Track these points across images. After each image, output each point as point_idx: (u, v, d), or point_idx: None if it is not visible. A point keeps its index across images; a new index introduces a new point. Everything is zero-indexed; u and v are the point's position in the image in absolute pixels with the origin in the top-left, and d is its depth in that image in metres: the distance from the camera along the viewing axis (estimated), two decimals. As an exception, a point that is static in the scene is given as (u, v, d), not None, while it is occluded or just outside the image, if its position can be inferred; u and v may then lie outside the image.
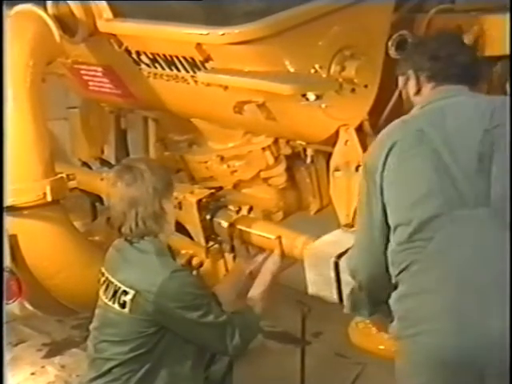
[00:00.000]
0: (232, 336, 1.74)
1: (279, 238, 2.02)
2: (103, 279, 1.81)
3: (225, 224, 2.16)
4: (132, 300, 1.71)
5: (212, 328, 1.73)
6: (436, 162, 1.48)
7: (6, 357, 2.10)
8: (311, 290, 1.94)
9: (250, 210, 2.23)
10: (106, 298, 1.78)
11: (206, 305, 1.74)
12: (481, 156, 1.46)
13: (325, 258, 1.88)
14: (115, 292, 1.76)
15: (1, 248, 1.63)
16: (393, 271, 1.53)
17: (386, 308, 1.57)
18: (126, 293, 1.72)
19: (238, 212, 2.18)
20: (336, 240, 1.97)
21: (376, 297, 1.64)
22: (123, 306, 1.73)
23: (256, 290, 1.91)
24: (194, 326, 1.72)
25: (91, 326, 1.84)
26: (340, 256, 1.86)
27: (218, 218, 2.19)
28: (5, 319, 1.82)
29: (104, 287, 1.80)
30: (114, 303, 1.75)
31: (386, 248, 1.55)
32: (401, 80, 1.72)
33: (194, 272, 2.25)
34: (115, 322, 1.76)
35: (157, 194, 1.75)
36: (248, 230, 2.13)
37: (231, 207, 2.20)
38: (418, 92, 1.66)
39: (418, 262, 1.47)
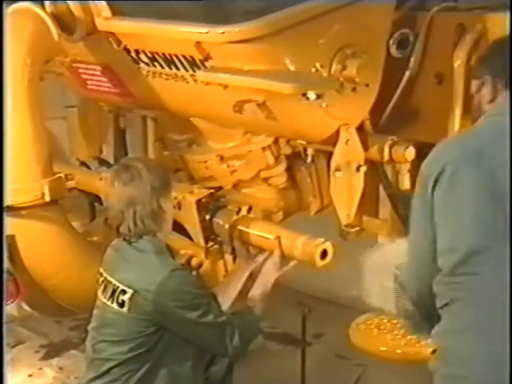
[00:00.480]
0: (231, 336, 1.74)
1: (278, 238, 2.02)
2: (101, 279, 1.82)
3: (225, 224, 2.16)
4: (130, 299, 1.72)
5: (211, 328, 1.73)
6: (492, 188, 1.36)
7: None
8: (370, 301, 1.87)
9: (250, 210, 2.23)
10: (105, 297, 1.79)
11: (205, 304, 1.72)
12: None
13: (385, 268, 1.81)
14: (114, 291, 1.75)
15: (1, 248, 1.63)
16: (436, 302, 1.45)
17: None
18: (124, 292, 1.73)
19: (238, 212, 2.18)
20: (396, 250, 1.91)
21: (428, 313, 1.52)
22: (122, 305, 1.73)
23: (256, 291, 1.91)
24: (193, 325, 1.71)
25: (89, 327, 1.84)
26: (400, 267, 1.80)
27: (217, 218, 2.20)
28: (4, 320, 1.82)
29: (102, 287, 1.81)
30: (112, 303, 1.75)
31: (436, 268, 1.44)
32: (474, 85, 1.55)
33: (194, 273, 2.25)
34: (114, 321, 1.76)
35: (154, 192, 1.75)
36: (247, 230, 2.13)
37: (231, 207, 2.20)
38: (493, 100, 1.49)
39: (460, 299, 1.39)
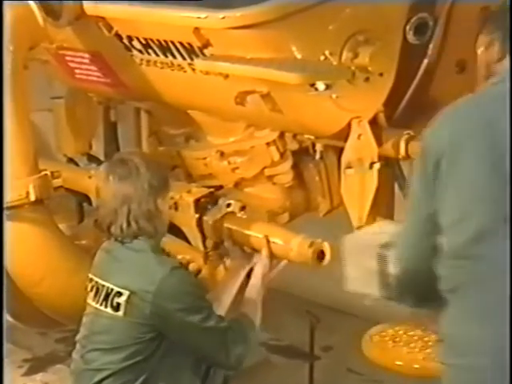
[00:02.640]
0: (234, 344, 1.73)
1: (266, 237, 2.01)
2: (91, 285, 1.81)
3: (209, 220, 2.16)
4: (127, 301, 1.70)
5: (213, 334, 1.72)
6: (499, 163, 1.33)
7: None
8: (350, 286, 1.91)
9: (243, 208, 2.23)
10: (97, 302, 1.77)
11: (206, 308, 1.74)
12: None
13: (368, 248, 1.83)
14: (107, 295, 1.75)
15: (1, 248, 1.63)
16: (440, 285, 1.44)
17: (432, 306, 1.48)
18: (120, 294, 1.71)
19: (228, 206, 2.18)
20: (379, 231, 1.93)
21: (420, 291, 1.52)
22: (117, 308, 1.72)
23: (248, 296, 1.91)
24: (194, 330, 1.70)
25: (77, 337, 1.83)
26: (385, 246, 1.80)
27: (207, 216, 2.19)
28: (4, 320, 1.82)
29: (93, 293, 1.80)
30: (106, 307, 1.74)
31: (434, 244, 1.42)
32: (482, 41, 1.51)
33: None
34: (107, 327, 1.74)
35: (152, 191, 1.75)
36: (234, 227, 2.13)
37: (221, 201, 2.19)
38: (501, 60, 1.45)
39: (467, 285, 1.38)
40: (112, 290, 1.74)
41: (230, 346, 1.73)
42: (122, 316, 1.71)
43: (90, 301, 1.81)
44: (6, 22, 2.03)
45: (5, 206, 2.04)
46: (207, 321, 1.70)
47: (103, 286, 1.77)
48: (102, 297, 1.76)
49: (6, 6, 2.12)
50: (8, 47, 2.10)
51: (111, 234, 1.78)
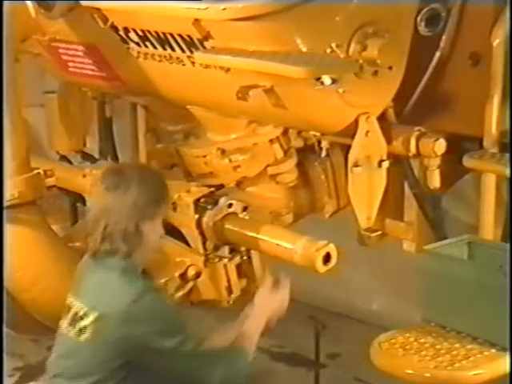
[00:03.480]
0: (214, 368, 1.67)
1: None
2: (67, 302, 1.76)
3: (209, 222, 2.14)
4: (93, 325, 1.65)
5: (189, 358, 1.66)
6: None
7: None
8: None
9: (245, 209, 2.23)
10: (66, 322, 1.72)
11: (180, 332, 1.65)
12: None
13: None
14: (75, 315, 1.70)
15: (1, 249, 1.63)
16: None
17: None
18: (86, 316, 1.67)
19: (229, 207, 2.17)
20: None
21: None
22: (82, 332, 1.67)
23: (246, 330, 1.79)
24: (169, 356, 1.64)
25: (48, 359, 1.77)
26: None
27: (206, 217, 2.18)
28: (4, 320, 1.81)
29: (66, 310, 1.75)
30: (73, 329, 1.69)
31: None
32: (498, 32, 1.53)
33: (190, 284, 2.26)
34: (72, 351, 1.69)
35: (135, 211, 1.68)
36: (240, 231, 2.13)
37: (222, 201, 2.19)
38: None
39: None
40: (79, 310, 1.69)
41: (208, 370, 1.67)
42: (88, 340, 1.66)
43: (62, 319, 1.76)
44: (5, 21, 2.02)
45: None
46: (182, 345, 1.64)
47: (73, 304, 1.73)
48: (70, 317, 1.71)
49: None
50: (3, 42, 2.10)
51: (87, 245, 1.75)
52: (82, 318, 1.68)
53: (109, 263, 1.70)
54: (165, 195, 1.77)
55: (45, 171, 2.25)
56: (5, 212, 1.90)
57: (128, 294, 1.65)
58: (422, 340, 2.00)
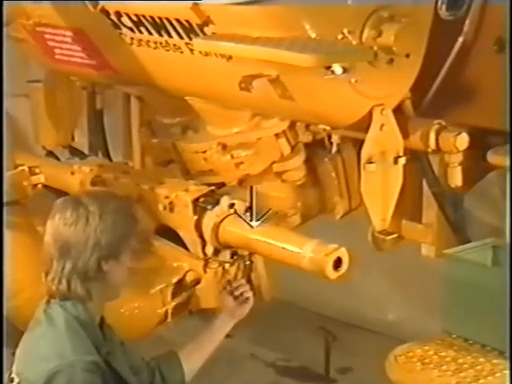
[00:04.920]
0: None
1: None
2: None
3: (210, 223, 2.14)
4: None
5: None
6: None
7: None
8: None
9: (248, 209, 2.23)
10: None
11: None
12: None
13: None
14: (9, 375, 1.65)
15: (1, 246, 1.63)
16: None
17: None
18: (12, 380, 1.63)
19: (231, 207, 2.18)
20: None
21: None
22: None
23: (202, 348, 1.90)
24: None
25: None
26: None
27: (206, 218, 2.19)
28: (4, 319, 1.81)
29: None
30: None
31: None
32: None
33: (189, 291, 2.27)
34: None
35: (98, 249, 1.64)
36: (242, 233, 2.12)
37: (223, 200, 2.20)
38: None
39: None
40: (12, 372, 1.64)
41: None
42: None
43: None
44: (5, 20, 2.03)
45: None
46: None
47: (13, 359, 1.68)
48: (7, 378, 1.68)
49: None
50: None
51: (46, 283, 1.69)
52: (11, 381, 1.65)
53: (54, 311, 1.66)
54: (132, 228, 1.71)
55: (30, 168, 2.27)
56: (5, 211, 1.91)
57: (55, 359, 1.58)
58: (443, 353, 2.01)
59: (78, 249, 1.65)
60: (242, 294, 2.00)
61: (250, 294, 2.01)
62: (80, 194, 1.77)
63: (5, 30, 2.35)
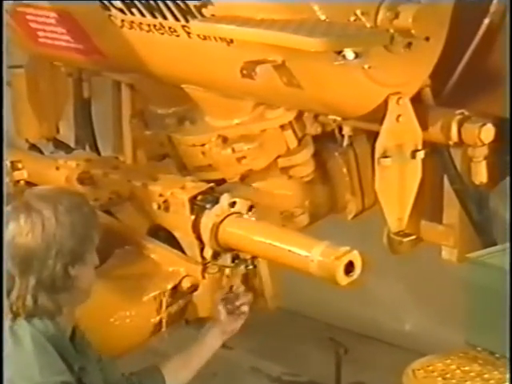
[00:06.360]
0: None
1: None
2: None
3: (209, 223, 2.14)
4: None
5: None
6: None
7: None
8: None
9: (251, 208, 2.24)
10: None
11: None
12: None
13: None
14: None
15: (1, 248, 1.64)
16: None
17: None
18: None
19: (232, 205, 2.18)
20: None
21: None
22: None
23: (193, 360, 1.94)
24: None
25: None
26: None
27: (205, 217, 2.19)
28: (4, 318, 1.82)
29: None
30: None
31: None
32: None
33: (185, 298, 2.28)
34: None
35: (60, 257, 1.63)
36: (244, 234, 2.12)
37: (223, 199, 2.20)
38: None
39: None
40: None
41: None
42: None
43: None
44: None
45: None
46: None
47: None
48: None
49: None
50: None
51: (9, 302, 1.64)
52: None
53: (19, 328, 1.64)
54: (92, 223, 1.71)
55: (11, 163, 2.27)
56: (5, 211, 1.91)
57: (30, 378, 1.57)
58: (467, 368, 2.01)
59: (39, 260, 1.63)
60: (238, 307, 2.01)
61: (246, 309, 2.02)
62: (27, 196, 1.71)
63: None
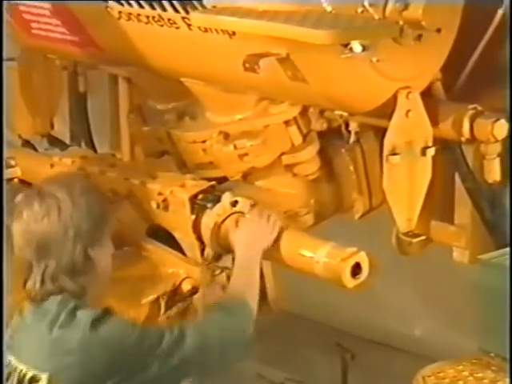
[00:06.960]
0: (213, 340, 1.73)
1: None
2: (9, 368, 1.73)
3: (210, 223, 2.16)
4: None
5: (179, 349, 1.70)
6: None
7: None
8: None
9: (253, 207, 2.24)
10: None
11: (156, 334, 1.69)
12: None
13: None
14: (21, 381, 1.67)
15: (1, 245, 1.66)
16: None
17: None
18: (35, 380, 1.66)
19: (234, 204, 2.19)
20: None
21: None
22: None
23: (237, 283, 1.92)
24: (158, 361, 1.66)
25: None
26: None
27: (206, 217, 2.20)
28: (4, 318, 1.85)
29: (8, 374, 1.71)
30: None
31: None
32: None
33: (185, 301, 2.29)
34: None
35: (79, 239, 1.67)
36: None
37: (225, 197, 2.21)
38: None
39: None
40: (25, 374, 1.67)
41: (205, 344, 1.72)
42: None
43: None
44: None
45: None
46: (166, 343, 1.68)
47: (16, 368, 1.69)
48: (16, 383, 1.68)
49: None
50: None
51: (25, 289, 1.71)
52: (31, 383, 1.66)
53: (48, 304, 1.68)
54: (106, 207, 1.76)
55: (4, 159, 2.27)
56: (5, 210, 1.93)
57: (76, 332, 1.63)
58: (480, 374, 2.02)
59: (58, 243, 1.66)
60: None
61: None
62: (39, 185, 1.76)
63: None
